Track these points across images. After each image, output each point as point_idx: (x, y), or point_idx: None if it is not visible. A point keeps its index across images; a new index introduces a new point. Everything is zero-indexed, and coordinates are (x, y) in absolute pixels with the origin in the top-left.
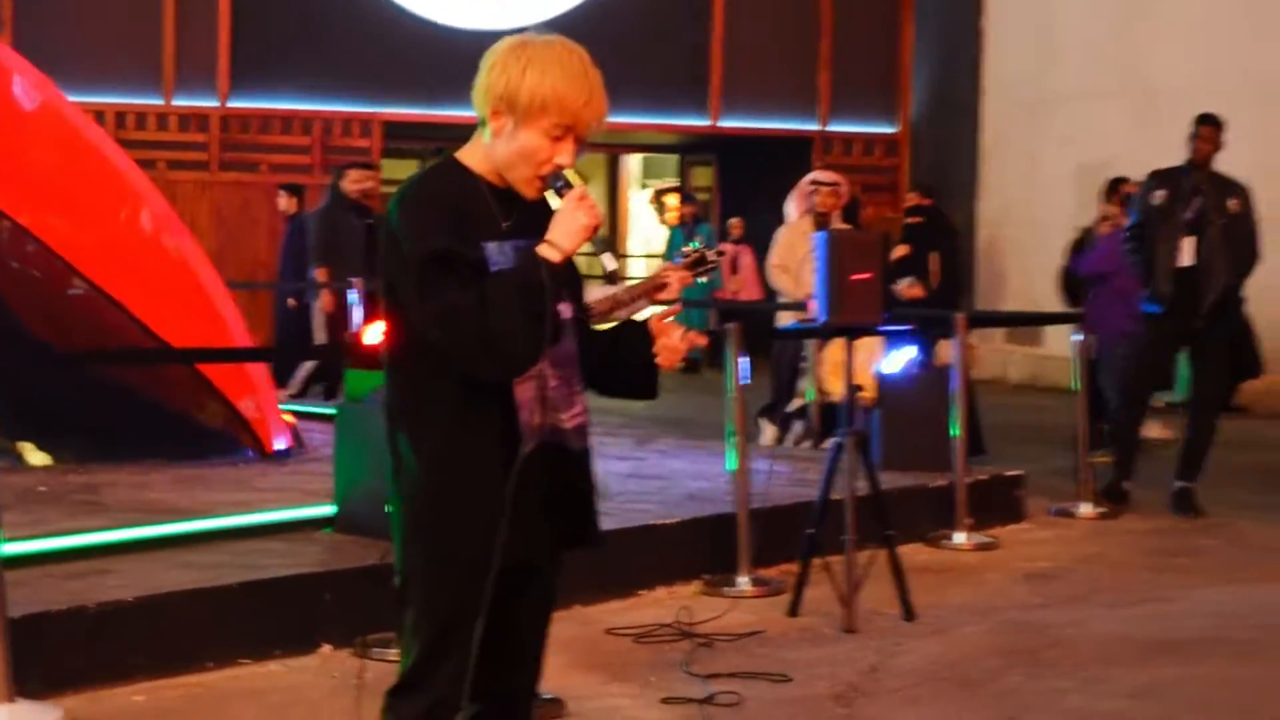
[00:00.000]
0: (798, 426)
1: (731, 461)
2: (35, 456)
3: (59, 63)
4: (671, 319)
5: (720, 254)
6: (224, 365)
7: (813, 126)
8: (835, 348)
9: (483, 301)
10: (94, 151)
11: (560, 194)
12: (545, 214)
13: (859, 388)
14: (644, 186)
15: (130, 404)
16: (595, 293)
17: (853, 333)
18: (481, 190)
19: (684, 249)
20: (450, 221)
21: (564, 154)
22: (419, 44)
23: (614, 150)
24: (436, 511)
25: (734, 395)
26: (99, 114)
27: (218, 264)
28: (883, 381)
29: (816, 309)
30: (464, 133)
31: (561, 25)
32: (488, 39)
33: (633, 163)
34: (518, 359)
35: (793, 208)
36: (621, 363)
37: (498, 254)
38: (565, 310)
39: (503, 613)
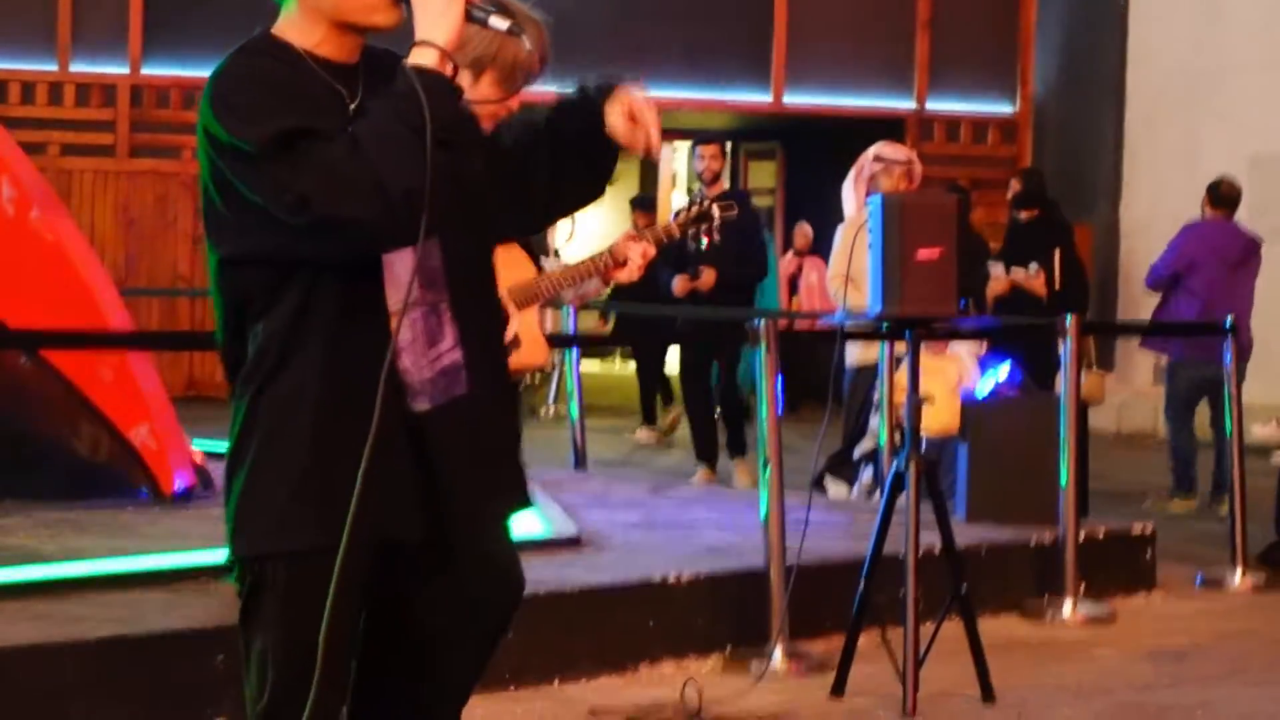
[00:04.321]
0: (867, 474)
1: (764, 503)
2: None
3: None
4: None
5: (730, 208)
6: (112, 387)
7: (907, 105)
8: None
9: (355, 143)
10: None
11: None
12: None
13: (927, 398)
14: (691, 189)
15: None
16: (527, 275)
17: (917, 328)
18: (312, 68)
19: (686, 199)
20: (294, 99)
21: None
22: None
23: None
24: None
25: (766, 418)
26: None
27: (126, 275)
28: (970, 406)
29: (868, 297)
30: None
31: None
32: None
33: (678, 158)
34: (419, 194)
35: (851, 196)
36: (565, 147)
37: None
38: None
39: (387, 615)
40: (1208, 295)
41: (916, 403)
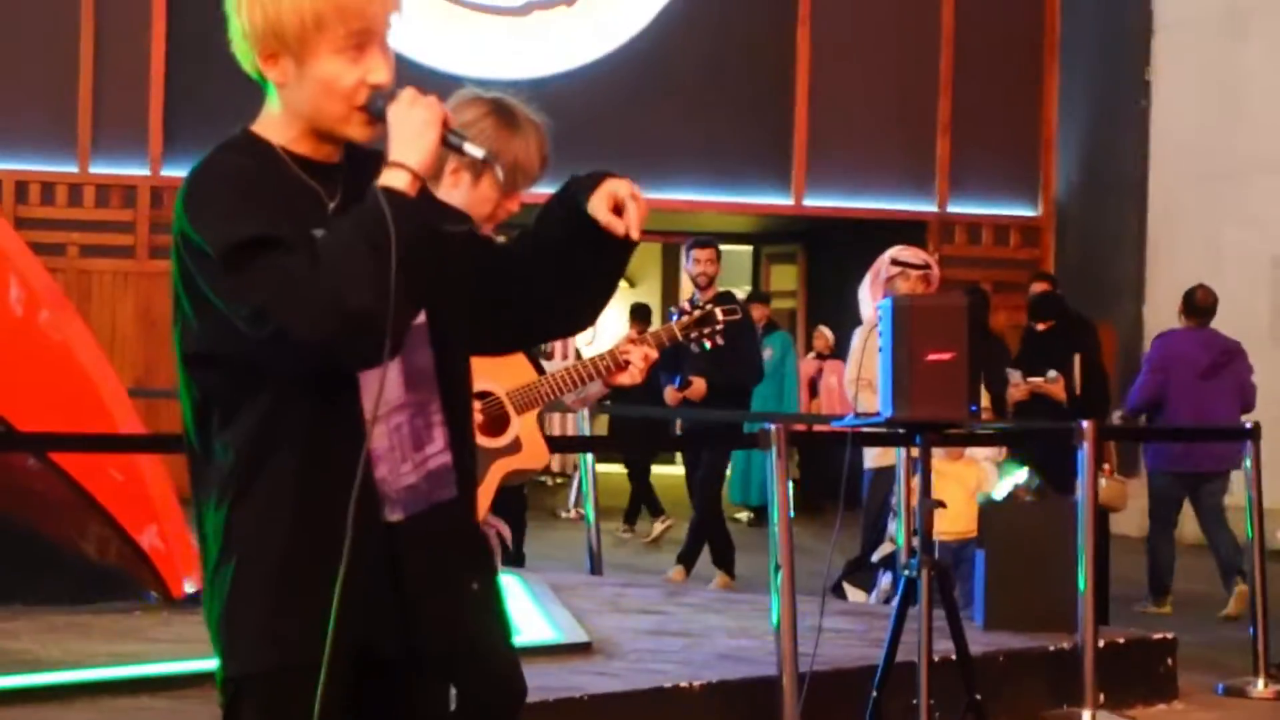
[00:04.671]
0: (885, 579)
1: (775, 609)
2: None
3: None
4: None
5: (734, 312)
6: (120, 489)
7: (928, 208)
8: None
9: (314, 258)
10: None
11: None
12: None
13: (939, 503)
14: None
15: None
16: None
17: (927, 432)
18: (290, 167)
19: (683, 304)
20: (261, 203)
21: (375, 68)
22: None
23: (671, 238)
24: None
25: (778, 520)
26: None
27: (145, 376)
28: (987, 511)
29: (879, 401)
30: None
31: (604, 77)
32: (496, 90)
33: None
34: (375, 315)
35: (868, 299)
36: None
37: None
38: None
39: None
40: (1179, 404)
41: (928, 507)
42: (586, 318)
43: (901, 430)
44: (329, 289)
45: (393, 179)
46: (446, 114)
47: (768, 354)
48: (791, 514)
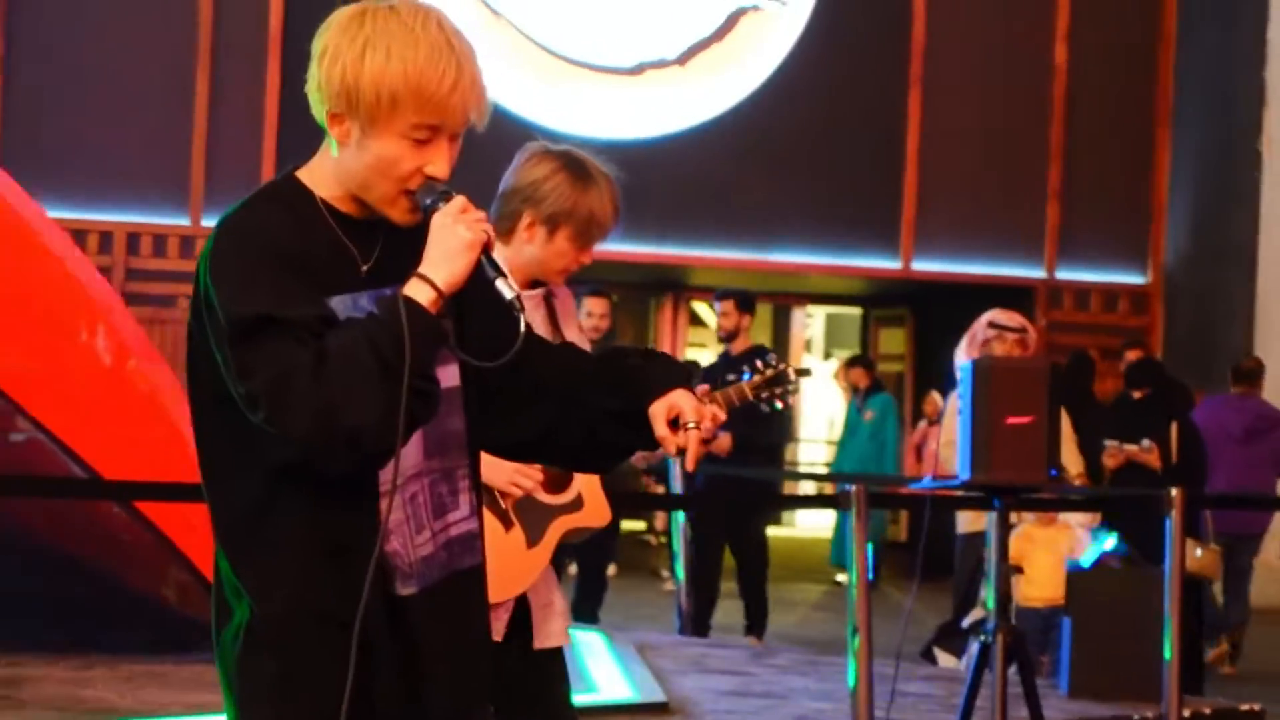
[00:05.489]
0: (975, 645)
1: (852, 673)
2: None
3: (52, 169)
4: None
5: (806, 372)
6: (203, 536)
7: (1036, 273)
8: (1022, 538)
9: (321, 359)
10: (45, 255)
11: (433, 212)
12: (423, 249)
13: (1016, 568)
14: (829, 356)
15: (78, 579)
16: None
17: (1005, 495)
18: (328, 222)
19: (756, 363)
20: (282, 268)
21: (435, 161)
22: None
23: (781, 300)
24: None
25: (856, 584)
26: (105, 234)
27: None
28: (1075, 577)
29: (956, 463)
30: (595, 273)
31: (715, 137)
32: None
33: (815, 325)
34: (366, 434)
35: (964, 362)
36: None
37: (352, 311)
38: (447, 376)
39: None
40: (1216, 468)
41: (1005, 571)
42: (571, 469)
43: (980, 494)
44: (326, 399)
45: (418, 293)
46: (490, 237)
47: (869, 416)
48: (871, 576)
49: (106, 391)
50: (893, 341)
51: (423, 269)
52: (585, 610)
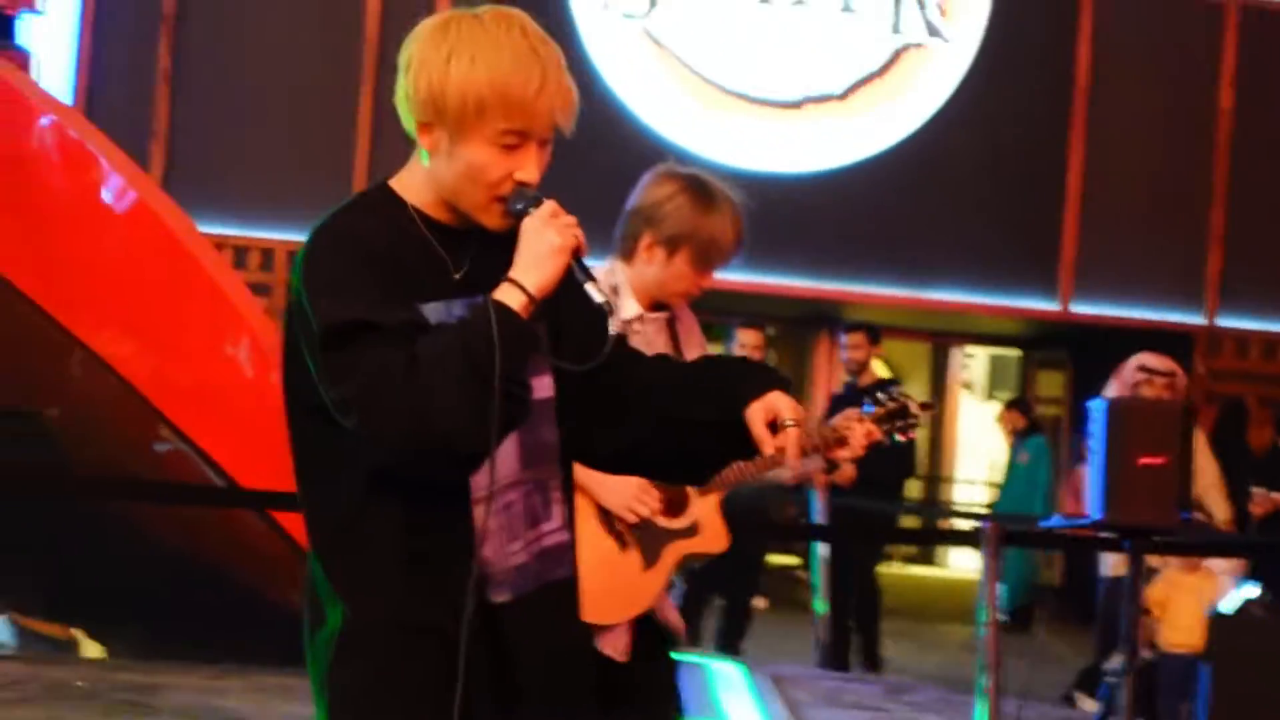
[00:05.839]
0: (1103, 689)
1: (978, 712)
2: (88, 647)
3: (216, 186)
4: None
5: (929, 406)
6: None
7: (1197, 320)
8: (1165, 583)
9: (413, 363)
10: (195, 269)
11: (525, 217)
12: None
13: (1145, 611)
14: (991, 397)
15: (216, 588)
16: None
17: (1136, 537)
18: (421, 230)
19: (878, 394)
20: (376, 274)
21: (525, 166)
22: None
23: (939, 340)
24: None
25: (986, 623)
26: (267, 251)
27: None
28: (1215, 625)
29: (1088, 504)
30: (751, 305)
31: (875, 174)
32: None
33: (977, 367)
34: (457, 437)
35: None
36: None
37: (445, 318)
38: (541, 387)
39: None
40: None
41: (1134, 615)
42: (665, 480)
43: (1110, 534)
44: (419, 403)
45: (509, 297)
46: (580, 242)
47: (1024, 459)
48: (1012, 617)
49: (248, 403)
50: (1051, 384)
51: (513, 274)
52: (728, 642)
